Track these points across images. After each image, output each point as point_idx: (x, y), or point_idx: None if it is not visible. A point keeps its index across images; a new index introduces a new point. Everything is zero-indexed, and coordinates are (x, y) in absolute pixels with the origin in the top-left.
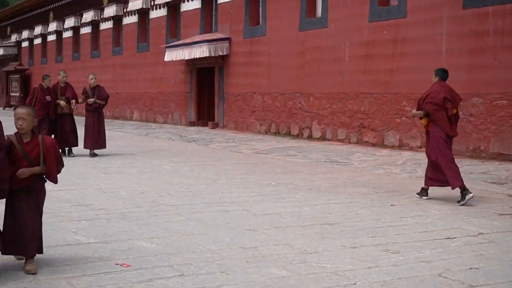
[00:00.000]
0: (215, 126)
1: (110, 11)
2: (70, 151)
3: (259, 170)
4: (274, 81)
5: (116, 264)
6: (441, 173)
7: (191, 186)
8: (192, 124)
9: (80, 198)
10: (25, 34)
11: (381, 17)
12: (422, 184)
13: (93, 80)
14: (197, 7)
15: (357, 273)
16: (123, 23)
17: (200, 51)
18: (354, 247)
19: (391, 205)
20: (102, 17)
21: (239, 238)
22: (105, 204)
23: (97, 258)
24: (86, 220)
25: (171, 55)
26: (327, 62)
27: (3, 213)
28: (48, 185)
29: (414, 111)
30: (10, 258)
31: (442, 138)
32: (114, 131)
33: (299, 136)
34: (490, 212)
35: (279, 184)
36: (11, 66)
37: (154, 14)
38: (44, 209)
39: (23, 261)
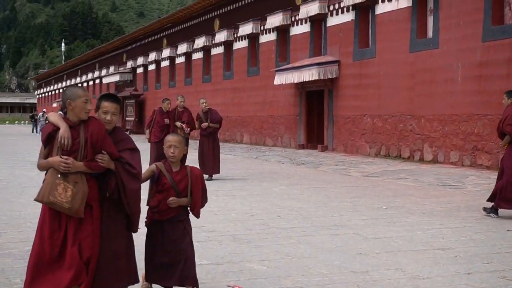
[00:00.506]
0: (325, 148)
1: (221, 36)
2: None
3: (369, 193)
4: (384, 103)
5: (228, 286)
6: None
7: (301, 209)
8: (301, 147)
9: (191, 220)
10: (140, 60)
11: (495, 37)
12: None
13: (204, 104)
14: (306, 30)
15: None
16: (233, 48)
17: (310, 74)
18: (468, 273)
19: (508, 230)
20: (213, 42)
21: (349, 262)
22: (216, 226)
23: (210, 280)
24: (199, 242)
25: (280, 79)
26: (439, 83)
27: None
28: None
29: (503, 141)
30: None
31: None
32: (224, 154)
33: (409, 158)
34: None
35: (390, 207)
36: (127, 92)
37: (264, 38)
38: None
39: None
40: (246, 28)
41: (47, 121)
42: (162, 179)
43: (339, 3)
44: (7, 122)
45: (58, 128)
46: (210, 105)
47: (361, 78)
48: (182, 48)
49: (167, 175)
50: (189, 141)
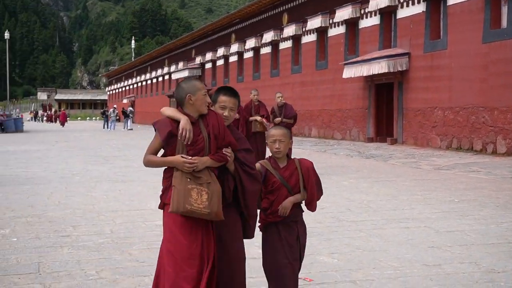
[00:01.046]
0: (394, 142)
1: (290, 30)
2: None
3: (440, 186)
4: (456, 96)
5: (299, 278)
6: None
7: (371, 202)
8: (370, 140)
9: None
10: (209, 56)
11: None
12: None
13: (280, 98)
14: (376, 23)
15: None
16: (302, 42)
17: (379, 67)
18: None
19: None
20: (281, 37)
21: (421, 255)
22: None
23: None
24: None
25: (349, 72)
26: None
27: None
28: None
29: None
30: None
31: None
32: (293, 148)
33: (482, 151)
34: None
35: (462, 201)
36: None
37: (332, 32)
38: None
39: None
40: (315, 22)
41: (129, 116)
42: (270, 178)
43: None
44: (79, 118)
45: (177, 123)
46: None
47: (432, 70)
48: (251, 43)
49: (275, 172)
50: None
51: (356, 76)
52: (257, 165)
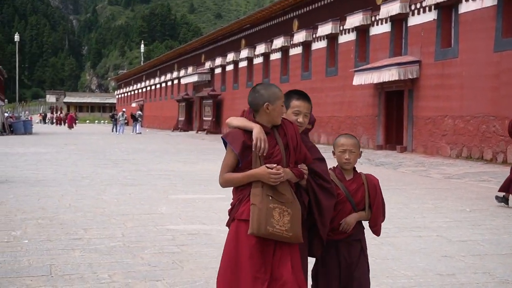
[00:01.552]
0: (404, 149)
1: (300, 36)
2: None
3: (451, 195)
4: (467, 104)
5: None
6: None
7: None
8: (380, 147)
9: None
10: (218, 61)
11: None
12: None
13: None
14: (386, 30)
15: None
16: (312, 48)
17: (390, 75)
18: None
19: None
20: (291, 42)
21: (434, 264)
22: None
23: None
24: None
25: (359, 79)
26: None
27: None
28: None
29: None
30: None
31: None
32: None
33: (492, 160)
34: None
35: (474, 210)
36: (205, 92)
37: (343, 38)
38: None
39: None
40: (325, 29)
41: (138, 120)
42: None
43: (421, 3)
44: (87, 121)
45: (249, 133)
46: None
47: (443, 78)
48: (260, 48)
49: (340, 184)
50: None
51: (366, 83)
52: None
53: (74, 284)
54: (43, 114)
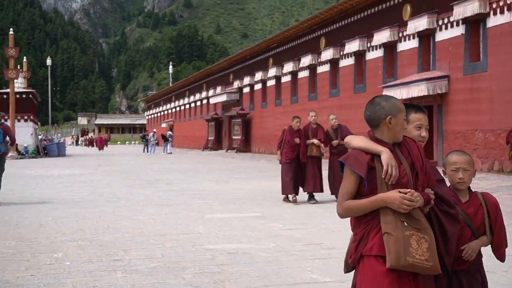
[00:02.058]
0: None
1: (327, 54)
2: (312, 196)
3: None
4: (497, 118)
5: None
6: None
7: None
8: None
9: (310, 237)
10: (246, 80)
11: None
12: None
13: (334, 120)
14: (414, 46)
15: None
16: (339, 66)
17: (418, 90)
18: None
19: None
20: (319, 60)
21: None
22: (335, 243)
23: None
24: (319, 259)
25: (388, 95)
26: None
27: None
28: (273, 222)
29: (509, 153)
30: None
31: None
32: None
33: None
34: None
35: (510, 224)
36: (234, 111)
37: (370, 55)
38: (276, 247)
39: None
40: (353, 46)
41: (169, 140)
42: None
43: (449, 18)
44: (118, 142)
45: (373, 155)
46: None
47: (472, 92)
48: (288, 67)
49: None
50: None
51: None
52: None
53: None
54: (75, 137)
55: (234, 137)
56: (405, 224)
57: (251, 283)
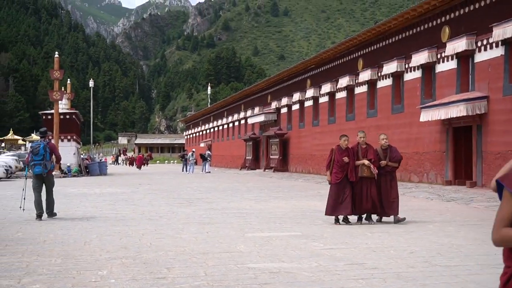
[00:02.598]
0: (473, 185)
1: (365, 75)
2: (369, 217)
3: None
4: None
5: None
6: None
7: (461, 247)
8: (448, 183)
9: (352, 257)
10: (284, 101)
11: None
12: None
13: (385, 140)
14: (453, 67)
15: None
16: (377, 87)
17: (457, 111)
18: None
19: None
20: (357, 81)
21: None
22: (377, 263)
23: None
24: (363, 279)
25: (427, 116)
26: None
27: None
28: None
29: None
30: None
31: None
32: None
33: None
34: None
35: None
36: (271, 131)
37: (408, 76)
38: (319, 267)
39: None
40: (390, 67)
41: (208, 159)
42: None
43: (488, 39)
44: (157, 161)
45: None
46: (353, 143)
47: None
48: (326, 88)
49: None
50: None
51: (434, 120)
52: None
53: None
54: (115, 156)
55: (271, 157)
56: None
57: None
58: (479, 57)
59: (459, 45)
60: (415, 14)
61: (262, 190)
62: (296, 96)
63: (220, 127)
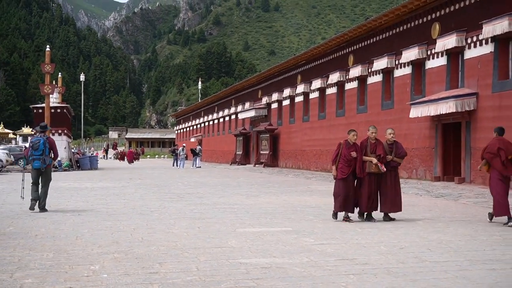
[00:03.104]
0: (462, 181)
1: (355, 71)
2: (370, 215)
3: None
4: None
5: None
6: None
7: (450, 242)
8: (437, 179)
9: (342, 252)
10: (275, 96)
11: None
12: None
13: (392, 135)
14: (442, 63)
15: None
16: (367, 83)
17: (447, 107)
18: None
19: None
20: (347, 77)
21: None
22: (368, 259)
23: None
24: (354, 274)
25: (416, 112)
26: None
27: None
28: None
29: (480, 165)
30: None
31: (497, 177)
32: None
33: None
34: None
35: None
36: (262, 126)
37: (398, 72)
38: (310, 262)
39: None
40: (381, 63)
41: (199, 154)
42: None
43: (477, 36)
44: (148, 156)
45: None
46: (343, 138)
47: (501, 110)
48: (316, 83)
49: None
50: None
51: (423, 116)
52: None
53: None
54: (105, 150)
55: (262, 152)
56: None
57: None
58: (469, 53)
59: (449, 41)
60: (406, 11)
61: (252, 185)
62: (287, 92)
63: (211, 122)
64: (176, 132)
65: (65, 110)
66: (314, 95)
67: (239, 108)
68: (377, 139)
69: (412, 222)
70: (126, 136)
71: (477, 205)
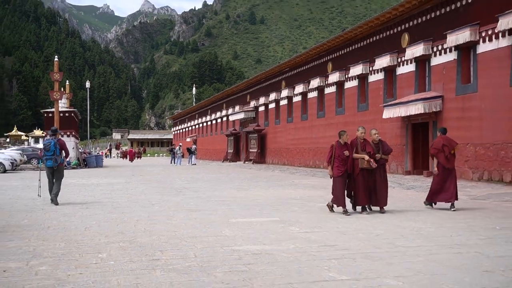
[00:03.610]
0: (430, 174)
1: (334, 77)
2: (364, 208)
3: (480, 214)
4: (486, 133)
5: None
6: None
7: (421, 229)
8: (408, 173)
9: (324, 239)
10: (262, 100)
11: None
12: None
13: (376, 135)
14: (411, 70)
15: None
16: (345, 87)
17: (416, 109)
18: None
19: None
20: (326, 83)
21: (478, 279)
22: (348, 245)
23: None
24: (335, 259)
25: (389, 113)
26: None
27: None
28: (291, 226)
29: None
30: None
31: (441, 170)
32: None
33: (511, 183)
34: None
35: (504, 228)
36: (250, 127)
37: (372, 78)
38: (296, 248)
39: None
40: (356, 70)
41: (194, 153)
42: None
43: (442, 45)
44: (148, 154)
45: None
46: (323, 137)
47: (464, 111)
48: (299, 88)
49: None
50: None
51: (395, 117)
52: None
53: None
54: (108, 150)
55: (250, 150)
56: None
57: (276, 280)
58: (435, 61)
59: (417, 50)
60: (378, 23)
61: (243, 180)
62: (272, 96)
63: (205, 124)
64: (173, 133)
65: (72, 114)
66: (297, 99)
67: (230, 111)
68: (365, 139)
69: (387, 212)
70: (128, 137)
71: None
